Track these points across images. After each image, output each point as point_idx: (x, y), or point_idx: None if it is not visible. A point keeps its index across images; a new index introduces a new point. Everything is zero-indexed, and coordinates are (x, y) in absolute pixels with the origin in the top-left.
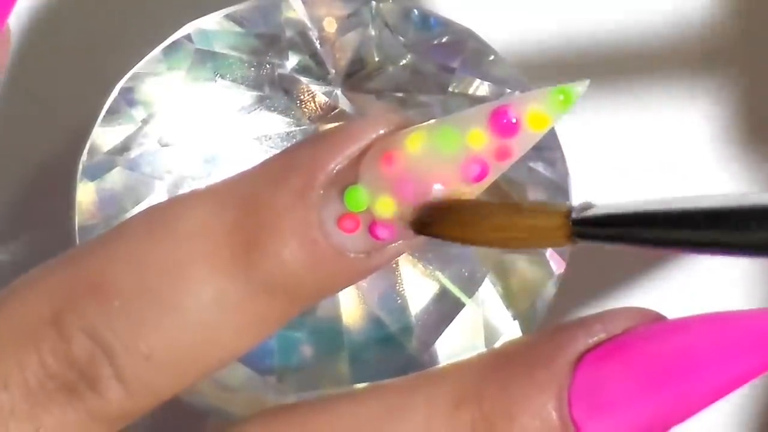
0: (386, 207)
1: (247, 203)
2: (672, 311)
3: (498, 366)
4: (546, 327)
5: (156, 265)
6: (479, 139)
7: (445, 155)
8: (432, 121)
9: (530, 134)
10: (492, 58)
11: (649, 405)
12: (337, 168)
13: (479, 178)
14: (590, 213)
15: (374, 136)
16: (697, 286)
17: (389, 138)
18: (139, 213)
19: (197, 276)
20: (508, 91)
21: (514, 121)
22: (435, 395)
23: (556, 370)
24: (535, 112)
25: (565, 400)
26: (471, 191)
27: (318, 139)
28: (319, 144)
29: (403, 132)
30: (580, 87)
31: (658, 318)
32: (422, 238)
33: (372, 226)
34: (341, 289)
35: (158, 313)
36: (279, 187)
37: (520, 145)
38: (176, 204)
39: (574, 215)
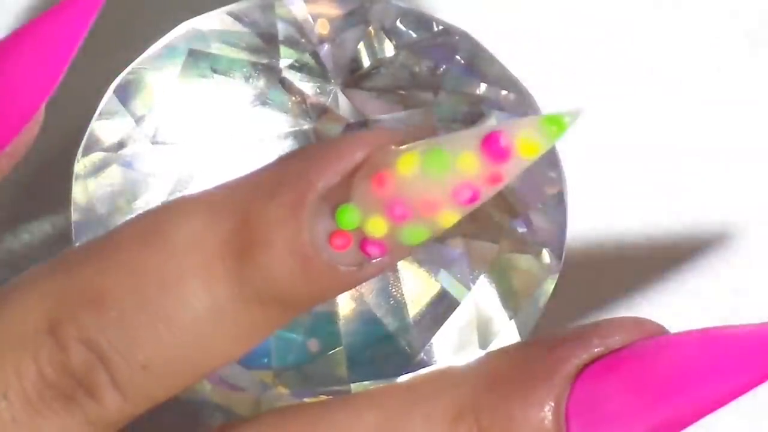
0: (378, 227)
1: (239, 216)
2: (666, 312)
3: (495, 380)
4: (543, 328)
5: (151, 276)
6: (471, 163)
7: (436, 179)
8: (424, 141)
9: (521, 160)
10: (486, 58)
11: (647, 421)
12: (328, 184)
13: (470, 201)
14: None
15: (366, 152)
16: (693, 287)
17: (381, 157)
18: (133, 220)
19: (191, 288)
20: (503, 92)
21: (505, 147)
22: (433, 410)
23: (554, 385)
24: (526, 140)
25: (562, 416)
26: (461, 213)
27: (310, 152)
28: (312, 158)
29: (395, 152)
30: (571, 116)
31: (655, 329)
32: (414, 249)
33: (363, 243)
34: (333, 297)
35: (154, 323)
36: (271, 201)
37: (511, 170)
38: (170, 213)
39: None
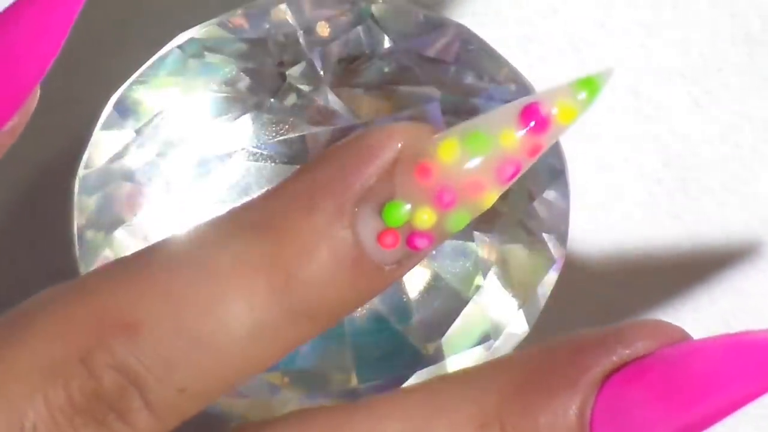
0: (428, 218)
1: (280, 232)
2: (669, 310)
3: (520, 387)
4: (546, 326)
5: (190, 301)
6: (511, 139)
7: (480, 160)
8: (460, 126)
9: (559, 128)
10: (484, 51)
11: (671, 427)
12: (367, 185)
13: (512, 176)
14: None
15: (397, 146)
16: (696, 288)
17: (419, 147)
18: (165, 243)
19: (233, 310)
20: (503, 84)
21: (545, 117)
22: (458, 418)
23: (579, 393)
24: (564, 106)
25: (587, 423)
26: (503, 190)
27: (341, 154)
28: (344, 160)
29: (433, 140)
30: (604, 76)
31: (677, 334)
32: (452, 236)
33: (411, 237)
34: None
35: (193, 350)
36: (312, 213)
37: (550, 139)
38: (206, 237)
39: None
